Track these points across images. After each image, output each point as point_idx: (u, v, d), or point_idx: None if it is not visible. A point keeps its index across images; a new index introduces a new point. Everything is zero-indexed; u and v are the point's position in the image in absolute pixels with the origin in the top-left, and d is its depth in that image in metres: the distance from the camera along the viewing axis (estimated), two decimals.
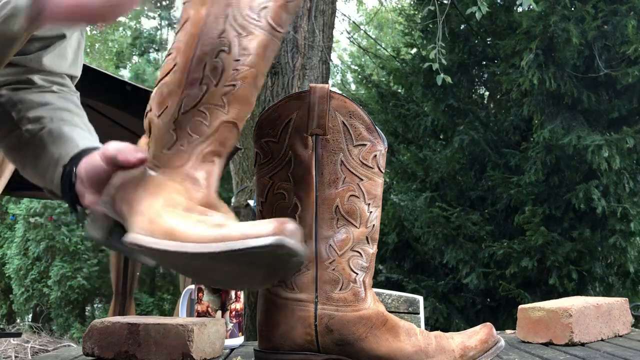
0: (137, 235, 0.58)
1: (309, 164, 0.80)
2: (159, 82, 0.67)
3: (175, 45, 0.68)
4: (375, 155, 0.81)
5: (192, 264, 0.56)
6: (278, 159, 0.81)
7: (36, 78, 0.88)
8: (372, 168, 0.81)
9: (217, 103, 0.64)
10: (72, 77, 0.94)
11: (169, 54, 0.68)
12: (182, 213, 0.57)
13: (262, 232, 0.52)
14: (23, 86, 0.87)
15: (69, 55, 0.92)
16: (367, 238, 0.82)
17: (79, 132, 0.83)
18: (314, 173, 0.80)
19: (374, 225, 0.82)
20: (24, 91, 0.86)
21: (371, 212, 0.81)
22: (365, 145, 0.80)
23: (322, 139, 0.80)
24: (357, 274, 0.81)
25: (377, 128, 0.81)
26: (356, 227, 0.80)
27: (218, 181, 0.65)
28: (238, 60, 0.63)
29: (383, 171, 0.82)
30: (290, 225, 0.53)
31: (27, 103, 0.85)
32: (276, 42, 0.65)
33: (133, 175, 0.66)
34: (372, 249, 0.82)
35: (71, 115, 0.87)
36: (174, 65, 0.66)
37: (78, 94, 0.94)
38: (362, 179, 0.80)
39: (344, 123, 0.80)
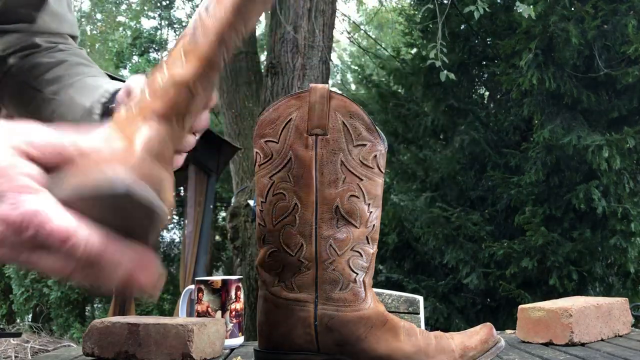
0: None
1: (309, 164, 0.80)
2: None
3: None
4: (376, 156, 0.81)
5: None
6: (278, 159, 0.81)
7: (40, 40, 0.86)
8: (372, 168, 0.81)
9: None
10: (73, 38, 0.92)
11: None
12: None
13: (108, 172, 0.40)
14: (29, 51, 0.85)
15: (67, 16, 0.90)
16: (367, 238, 0.82)
17: (102, 79, 0.80)
18: (314, 173, 0.80)
19: (374, 225, 0.82)
20: (32, 56, 0.85)
21: (371, 212, 0.81)
22: (365, 145, 0.80)
23: (322, 139, 0.80)
24: (357, 274, 0.81)
25: (377, 128, 0.81)
26: (356, 227, 0.80)
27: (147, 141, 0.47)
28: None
29: (383, 171, 0.82)
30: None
31: (40, 67, 0.84)
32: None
33: None
34: (372, 249, 0.82)
35: (88, 68, 0.86)
36: None
37: (84, 51, 0.92)
38: (362, 179, 0.80)
39: (344, 123, 0.80)
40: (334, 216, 0.80)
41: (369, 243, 0.82)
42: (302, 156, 0.80)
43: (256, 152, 0.83)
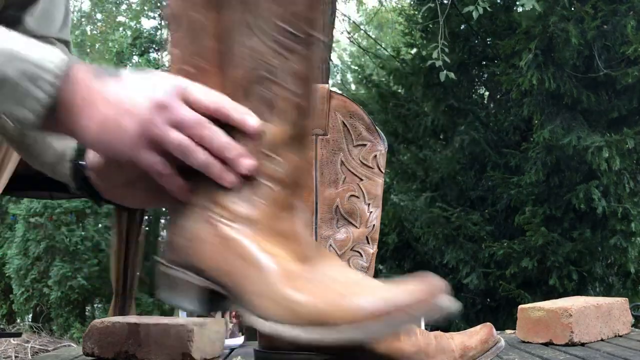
0: (278, 326, 0.51)
1: (309, 164, 0.80)
2: None
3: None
4: (376, 156, 0.81)
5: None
6: None
7: None
8: (372, 168, 0.81)
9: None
10: (65, 43, 0.85)
11: None
12: (309, 286, 0.51)
13: (418, 299, 0.48)
14: None
15: (58, 17, 0.83)
16: (367, 238, 0.82)
17: None
18: (314, 173, 0.80)
19: (374, 225, 0.82)
20: None
21: (371, 212, 0.81)
22: (365, 145, 0.80)
23: (322, 139, 0.80)
24: None
25: (377, 128, 0.81)
26: (356, 227, 0.80)
27: (304, 227, 0.57)
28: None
29: (383, 171, 0.82)
30: (439, 285, 0.49)
31: None
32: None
33: (203, 230, 0.54)
34: (372, 249, 0.82)
35: None
36: None
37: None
38: (362, 179, 0.80)
39: (344, 123, 0.80)
40: (334, 216, 0.80)
41: (369, 243, 0.82)
42: None
43: None
